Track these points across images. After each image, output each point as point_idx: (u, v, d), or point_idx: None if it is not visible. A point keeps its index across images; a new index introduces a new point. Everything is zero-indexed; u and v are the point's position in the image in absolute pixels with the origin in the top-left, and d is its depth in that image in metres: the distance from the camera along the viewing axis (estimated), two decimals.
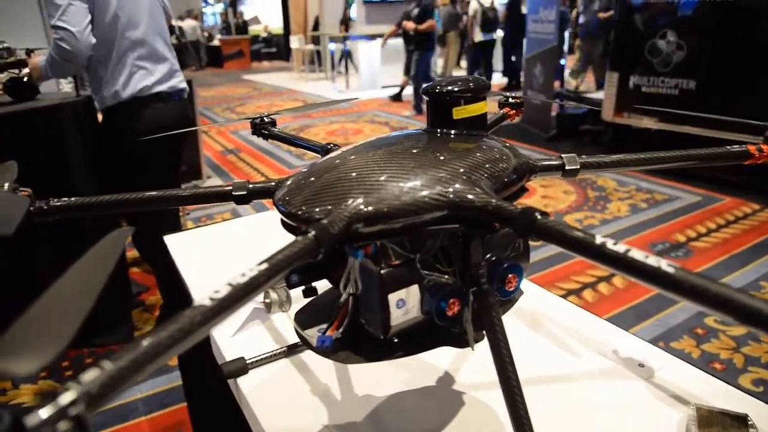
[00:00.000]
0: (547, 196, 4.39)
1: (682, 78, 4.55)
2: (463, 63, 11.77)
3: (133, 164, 2.35)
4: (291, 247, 0.44)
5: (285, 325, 1.02)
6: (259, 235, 1.45)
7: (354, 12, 12.44)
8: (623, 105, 5.04)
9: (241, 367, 0.88)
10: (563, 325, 1.00)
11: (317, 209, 0.54)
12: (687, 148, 0.75)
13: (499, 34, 9.98)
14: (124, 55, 2.21)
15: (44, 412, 0.27)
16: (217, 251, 1.37)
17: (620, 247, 0.40)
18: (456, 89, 0.65)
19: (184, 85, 2.44)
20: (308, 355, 0.92)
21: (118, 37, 2.18)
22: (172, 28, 2.65)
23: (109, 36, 2.16)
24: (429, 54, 7.80)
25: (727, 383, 0.83)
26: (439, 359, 0.90)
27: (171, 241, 1.42)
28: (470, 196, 0.52)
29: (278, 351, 0.92)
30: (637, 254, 0.39)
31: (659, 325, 2.60)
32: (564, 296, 1.11)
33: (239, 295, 0.38)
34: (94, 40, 2.09)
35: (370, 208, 0.52)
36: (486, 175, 0.57)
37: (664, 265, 0.38)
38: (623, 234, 3.64)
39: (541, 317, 1.03)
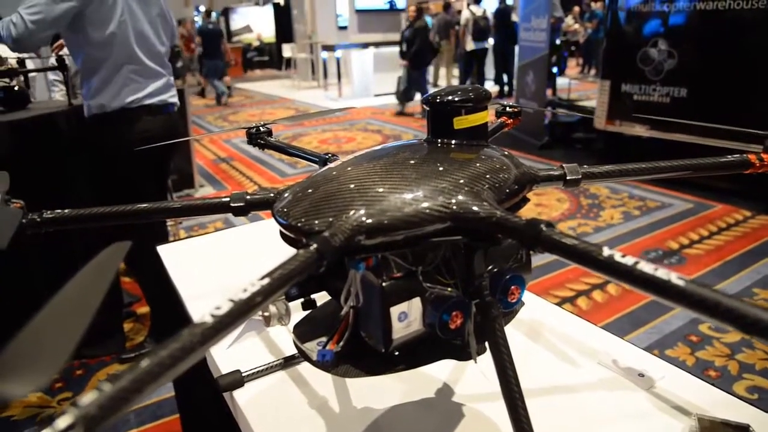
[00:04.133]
0: (540, 204, 4.40)
1: (674, 86, 4.59)
2: (455, 71, 11.83)
3: (117, 175, 2.33)
4: (293, 260, 0.44)
5: (281, 336, 1.01)
6: (253, 245, 1.44)
7: (346, 21, 12.48)
8: (615, 113, 5.07)
9: (237, 380, 0.86)
10: (562, 334, 0.99)
11: (318, 221, 0.53)
12: (681, 157, 0.75)
13: (491, 42, 10.05)
14: (121, 67, 2.19)
15: None
16: (211, 261, 1.35)
17: (629, 260, 0.39)
18: (457, 99, 0.65)
19: (175, 99, 2.43)
20: (305, 368, 0.91)
21: (116, 47, 2.17)
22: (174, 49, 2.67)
23: (107, 46, 2.15)
24: (209, 61, 10.44)
25: (727, 392, 0.83)
26: (439, 371, 0.89)
27: (164, 251, 1.41)
28: (474, 208, 0.52)
29: (274, 363, 0.90)
30: (646, 267, 0.38)
31: (654, 333, 2.60)
32: (558, 304, 1.10)
33: (241, 311, 0.37)
34: (42, 46, 2.11)
35: (372, 220, 0.51)
36: (488, 185, 0.57)
37: (674, 278, 0.37)
38: (617, 241, 3.65)
39: (540, 327, 1.02)
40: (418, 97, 8.66)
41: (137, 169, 2.33)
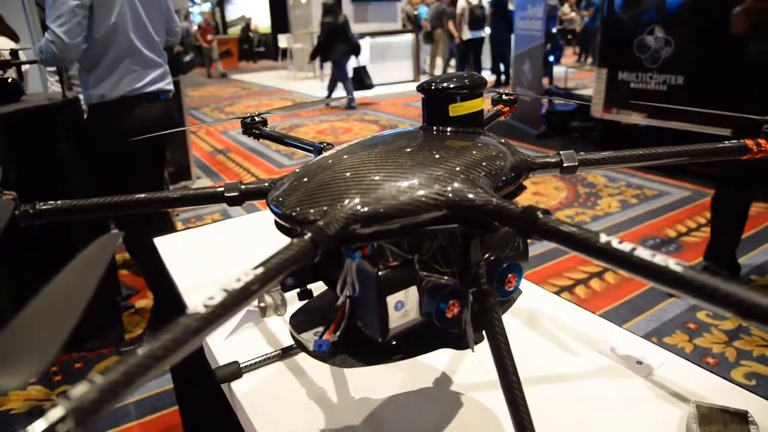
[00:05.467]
0: (538, 193, 4.39)
1: (671, 74, 4.57)
2: (452, 61, 11.78)
3: (117, 161, 2.35)
4: (287, 250, 0.43)
5: (278, 327, 1.00)
6: (250, 237, 1.43)
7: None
8: (612, 101, 5.05)
9: (235, 371, 0.86)
10: (560, 323, 0.99)
11: (312, 210, 0.53)
12: (680, 144, 0.75)
13: (488, 31, 10.01)
14: (120, 59, 2.23)
15: (33, 430, 0.26)
16: (208, 253, 1.35)
17: (626, 246, 0.39)
18: (452, 86, 0.64)
19: (170, 87, 2.48)
20: (303, 358, 0.91)
21: (116, 41, 2.20)
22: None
23: (108, 38, 2.18)
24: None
25: (725, 378, 0.83)
26: (437, 360, 0.89)
27: (161, 243, 1.40)
28: (470, 195, 0.51)
29: (272, 354, 0.90)
30: (643, 253, 0.38)
31: (652, 320, 2.61)
32: (556, 293, 1.10)
33: (234, 301, 0.37)
34: (84, 47, 2.13)
35: (367, 209, 0.51)
36: (485, 173, 0.56)
37: (672, 263, 0.37)
38: (614, 230, 3.65)
39: (538, 315, 1.02)
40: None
41: (136, 156, 2.35)
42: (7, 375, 0.28)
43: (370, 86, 8.94)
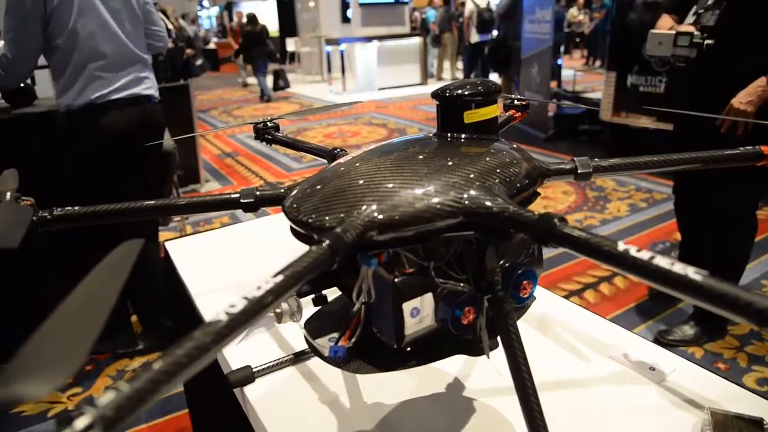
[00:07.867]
0: (546, 196, 4.38)
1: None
2: (459, 64, 11.78)
3: (93, 172, 2.27)
4: (305, 257, 0.43)
5: (291, 332, 1.01)
6: (260, 241, 1.44)
7: (350, 13, 12.46)
8: (621, 105, 5.03)
9: (248, 375, 0.87)
10: (572, 328, 0.99)
11: (329, 217, 0.53)
12: (689, 149, 0.74)
13: (495, 35, 10.00)
14: (83, 66, 2.13)
15: None
16: (219, 257, 1.35)
17: (644, 254, 0.39)
18: (467, 93, 0.64)
19: (150, 91, 2.34)
20: (315, 363, 0.91)
21: (76, 49, 2.11)
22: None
23: (67, 47, 2.10)
24: None
25: (738, 385, 0.83)
26: (449, 365, 0.89)
27: (172, 247, 1.41)
28: (487, 203, 0.51)
29: (285, 359, 0.90)
30: (662, 261, 0.38)
31: (662, 325, 2.59)
32: (566, 297, 1.10)
33: (255, 309, 0.37)
34: (30, 67, 2.11)
35: (383, 216, 0.51)
36: (500, 180, 0.56)
37: (691, 272, 0.37)
38: (624, 234, 3.64)
39: (549, 320, 1.02)
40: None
41: (111, 164, 2.26)
42: (34, 384, 0.28)
43: (283, 87, 11.13)
